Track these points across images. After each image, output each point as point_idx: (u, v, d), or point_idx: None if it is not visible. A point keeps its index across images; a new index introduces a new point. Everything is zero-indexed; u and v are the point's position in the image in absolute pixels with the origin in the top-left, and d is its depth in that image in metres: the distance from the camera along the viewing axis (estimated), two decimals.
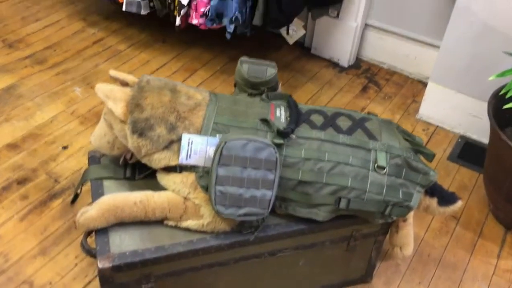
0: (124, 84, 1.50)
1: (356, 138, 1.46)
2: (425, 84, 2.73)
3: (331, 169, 1.42)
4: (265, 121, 1.44)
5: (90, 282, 1.69)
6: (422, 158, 1.51)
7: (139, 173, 1.56)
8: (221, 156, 1.32)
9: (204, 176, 1.40)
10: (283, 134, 1.41)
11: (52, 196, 1.97)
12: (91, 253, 1.42)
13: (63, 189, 1.99)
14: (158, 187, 1.48)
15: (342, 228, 1.53)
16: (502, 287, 1.79)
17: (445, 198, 1.56)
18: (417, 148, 1.53)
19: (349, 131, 1.48)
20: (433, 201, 1.55)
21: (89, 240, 1.42)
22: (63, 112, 2.36)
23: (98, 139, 1.53)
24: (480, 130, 2.38)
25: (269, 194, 1.36)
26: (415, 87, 2.72)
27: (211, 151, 1.40)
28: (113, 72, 1.50)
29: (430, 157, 1.53)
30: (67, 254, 1.77)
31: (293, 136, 1.43)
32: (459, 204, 1.57)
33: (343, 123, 1.50)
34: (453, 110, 2.40)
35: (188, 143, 1.40)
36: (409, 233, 1.59)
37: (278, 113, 1.49)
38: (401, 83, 2.74)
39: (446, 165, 2.27)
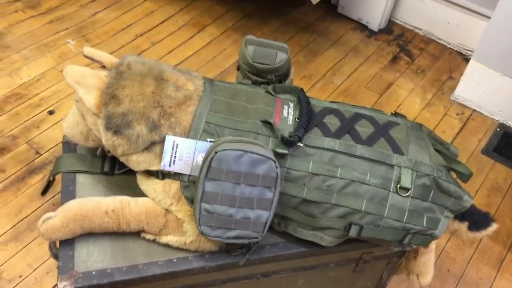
0: (101, 65, 1.24)
1: (377, 151, 1.19)
2: (465, 57, 2.39)
3: (343, 187, 1.16)
4: (267, 123, 1.18)
5: None
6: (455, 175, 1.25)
7: (119, 167, 1.33)
8: (209, 169, 1.08)
9: (190, 186, 1.17)
10: (288, 142, 1.15)
11: (31, 171, 1.76)
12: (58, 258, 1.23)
13: (43, 164, 1.79)
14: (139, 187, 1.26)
15: (350, 251, 1.30)
16: None
17: (477, 222, 1.31)
18: (451, 164, 1.26)
19: (369, 140, 1.21)
20: (463, 226, 1.30)
21: None
22: (53, 69, 2.11)
23: (70, 127, 1.28)
24: None
25: (265, 215, 1.12)
26: (453, 60, 2.38)
27: (199, 157, 1.15)
28: (87, 50, 1.23)
29: (465, 177, 1.26)
30: (41, 243, 1.59)
31: (301, 144, 1.17)
32: (493, 228, 1.32)
33: (363, 129, 1.22)
34: (495, 94, 2.08)
35: (173, 146, 1.15)
36: (429, 260, 1.36)
37: (285, 112, 1.22)
38: (438, 54, 2.40)
39: (480, 159, 1.99)
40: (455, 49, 2.43)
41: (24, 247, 1.57)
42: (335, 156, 1.17)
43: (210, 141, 1.15)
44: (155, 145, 1.16)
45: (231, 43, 2.33)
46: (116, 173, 1.33)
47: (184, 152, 1.15)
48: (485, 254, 1.71)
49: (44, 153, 1.82)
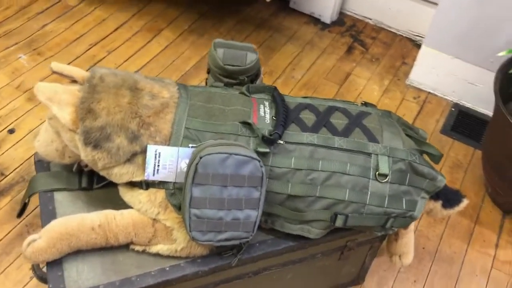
0: (71, 79, 1.21)
1: (354, 141, 1.23)
2: (415, 43, 2.49)
3: (325, 180, 1.20)
4: (246, 124, 1.20)
5: None
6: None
7: (97, 181, 1.31)
8: (195, 174, 1.08)
9: (176, 193, 1.17)
10: (269, 141, 1.17)
11: None
12: (45, 280, 1.20)
13: (10, 185, 1.73)
14: (122, 199, 1.24)
15: (336, 241, 1.34)
16: (502, 281, 1.67)
17: (450, 199, 1.38)
18: (422, 147, 1.32)
19: (345, 132, 1.25)
20: (437, 204, 1.36)
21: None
22: (7, 86, 2.03)
23: (43, 145, 1.25)
24: (475, 98, 2.18)
25: (254, 215, 1.14)
26: (404, 47, 2.47)
27: (183, 164, 1.16)
28: (55, 66, 1.20)
29: (437, 158, 1.32)
30: (20, 266, 1.54)
31: (281, 141, 1.19)
32: (464, 203, 1.39)
33: (338, 121, 1.26)
34: (448, 76, 2.18)
35: (155, 155, 1.15)
36: (409, 241, 1.42)
37: (262, 112, 1.24)
38: (389, 42, 2.49)
39: (439, 139, 2.08)
40: (404, 35, 2.53)
41: (2, 272, 1.52)
42: (315, 150, 1.20)
43: (192, 147, 1.16)
44: (136, 155, 1.15)
45: (188, 46, 2.32)
46: (95, 187, 1.31)
47: (167, 160, 1.15)
48: (455, 229, 1.80)
49: (9, 173, 1.76)
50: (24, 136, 1.87)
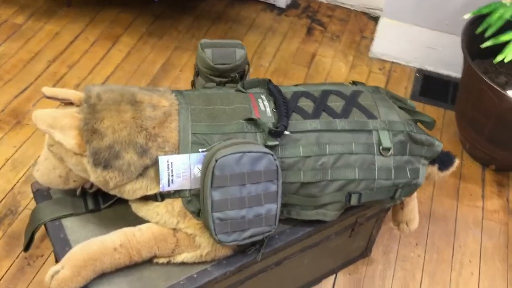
0: (67, 103, 1.17)
1: (354, 121, 1.27)
2: (370, 16, 2.55)
3: (334, 162, 1.23)
4: (251, 120, 1.20)
5: None
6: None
7: (103, 201, 1.28)
8: (213, 178, 1.08)
9: (192, 200, 1.16)
10: (276, 133, 1.19)
11: None
12: None
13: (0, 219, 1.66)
14: (132, 215, 1.23)
15: (347, 219, 1.38)
16: (494, 229, 1.77)
17: (444, 161, 1.44)
18: (415, 116, 1.38)
19: (344, 112, 1.28)
20: (434, 168, 1.42)
21: None
22: None
23: (46, 174, 1.21)
24: (436, 61, 2.28)
25: (274, 207, 1.16)
26: (360, 21, 2.53)
27: (196, 170, 1.15)
28: (48, 91, 1.16)
29: (430, 125, 1.39)
30: None
31: (287, 132, 1.21)
32: (457, 163, 1.46)
33: (335, 104, 1.29)
34: (408, 44, 2.26)
35: (168, 166, 1.13)
36: (414, 207, 1.48)
37: (261, 106, 1.25)
38: (345, 18, 2.54)
39: None
40: (359, 10, 2.59)
41: None
42: (320, 135, 1.23)
43: (202, 151, 1.16)
44: (148, 169, 1.14)
45: (150, 49, 2.28)
46: (103, 207, 1.29)
47: (180, 168, 1.14)
48: (443, 188, 1.88)
49: None
50: (1, 168, 1.79)
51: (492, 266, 1.67)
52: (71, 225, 1.25)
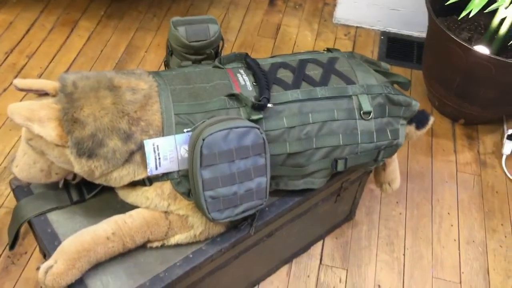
0: (42, 93, 1.13)
1: (334, 88, 1.27)
2: None
3: (318, 130, 1.24)
4: (232, 96, 1.19)
5: None
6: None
7: (87, 191, 1.26)
8: (202, 157, 1.08)
9: (182, 181, 1.15)
10: (259, 106, 1.18)
11: None
12: None
13: None
14: (119, 202, 1.21)
15: (333, 185, 1.40)
16: (468, 181, 1.84)
17: (421, 120, 1.47)
18: (390, 78, 1.40)
19: (323, 80, 1.28)
20: (412, 128, 1.45)
21: None
22: None
23: (26, 169, 1.17)
24: (399, 22, 2.30)
25: (264, 181, 1.16)
26: None
27: (182, 150, 1.14)
28: (20, 82, 1.11)
29: (406, 85, 1.41)
30: None
31: (270, 105, 1.21)
32: (431, 121, 1.49)
33: (314, 72, 1.29)
34: (371, 7, 2.27)
35: (154, 149, 1.12)
36: (395, 167, 1.51)
37: (241, 80, 1.24)
38: None
39: None
40: None
41: None
42: (302, 105, 1.23)
43: (187, 131, 1.14)
44: (133, 154, 1.12)
45: (112, 32, 2.21)
46: (88, 198, 1.26)
47: (166, 150, 1.13)
48: (417, 147, 1.93)
49: None
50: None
51: (469, 216, 1.74)
52: (57, 218, 1.23)
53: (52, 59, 2.08)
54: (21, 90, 1.11)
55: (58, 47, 2.13)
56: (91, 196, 1.26)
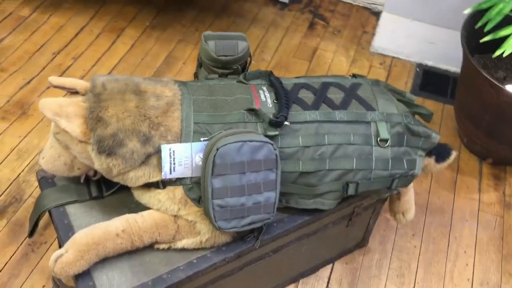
0: (73, 92, 1.21)
1: (353, 112, 1.30)
2: (371, 11, 2.58)
3: (333, 152, 1.26)
4: (251, 110, 1.23)
5: None
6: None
7: (106, 189, 1.32)
8: (214, 166, 1.12)
9: (193, 187, 1.19)
10: (276, 123, 1.22)
11: None
12: None
13: (4, 206, 1.69)
14: (134, 202, 1.26)
15: (344, 209, 1.41)
16: (490, 221, 1.80)
17: (441, 153, 1.47)
18: (413, 108, 1.41)
19: (343, 104, 1.31)
20: (431, 160, 1.45)
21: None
22: None
23: (51, 161, 1.24)
24: (436, 56, 2.30)
25: (273, 196, 1.19)
26: (361, 16, 2.56)
27: (197, 158, 1.18)
28: (54, 80, 1.19)
29: (428, 117, 1.42)
30: (32, 286, 1.52)
31: (287, 123, 1.24)
32: (454, 155, 1.49)
33: (335, 95, 1.32)
34: (409, 38, 2.28)
35: (170, 154, 1.17)
36: (411, 198, 1.51)
37: (262, 97, 1.28)
38: (347, 13, 2.56)
39: None
40: (361, 5, 2.61)
41: None
42: (319, 126, 1.26)
43: (204, 140, 1.19)
44: (150, 157, 1.17)
45: (154, 42, 2.31)
46: (106, 195, 1.32)
47: (182, 156, 1.17)
48: (440, 181, 1.91)
49: (0, 196, 1.72)
50: (6, 157, 1.83)
51: (487, 257, 1.70)
52: (75, 211, 1.29)
53: (96, 62, 2.19)
54: (55, 87, 1.19)
55: (103, 52, 2.24)
56: (109, 193, 1.32)
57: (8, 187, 1.75)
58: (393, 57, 2.35)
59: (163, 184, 1.20)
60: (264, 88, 1.30)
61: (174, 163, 1.17)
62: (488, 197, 1.87)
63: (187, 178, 1.19)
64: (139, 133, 1.15)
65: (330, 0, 2.63)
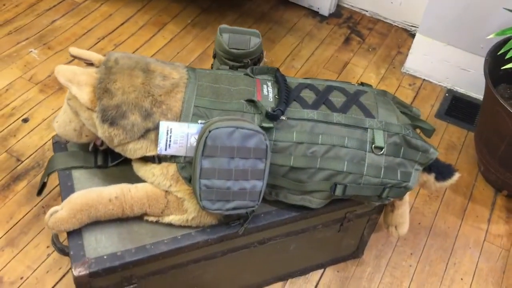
0: (88, 63, 1.31)
1: (351, 117, 1.32)
2: (409, 33, 2.58)
3: (325, 152, 1.29)
4: (251, 102, 1.29)
5: (64, 275, 1.57)
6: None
7: (111, 160, 1.41)
8: (205, 147, 1.18)
9: (186, 167, 1.26)
10: (272, 116, 1.26)
11: (15, 178, 1.79)
12: (65, 252, 1.30)
13: (27, 169, 1.82)
14: (134, 175, 1.34)
15: (335, 212, 1.43)
16: (494, 253, 1.76)
17: (443, 172, 1.46)
18: (416, 122, 1.41)
19: (343, 108, 1.34)
20: (431, 177, 1.45)
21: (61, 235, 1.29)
22: (20, 79, 2.13)
23: (62, 126, 1.34)
24: (468, 83, 2.27)
25: (260, 185, 1.23)
26: (399, 37, 2.57)
27: (193, 139, 1.25)
28: (73, 50, 1.30)
29: (429, 132, 1.42)
30: (38, 244, 1.63)
31: (284, 117, 1.28)
32: (456, 177, 1.48)
33: (337, 99, 1.35)
34: (441, 63, 2.27)
35: (167, 131, 1.24)
36: (405, 212, 1.51)
37: (265, 91, 1.33)
38: (385, 32, 2.58)
39: (434, 122, 2.17)
40: (400, 26, 2.62)
41: (21, 250, 1.61)
42: (315, 125, 1.30)
43: (201, 123, 1.25)
44: (149, 132, 1.25)
45: (192, 39, 2.42)
46: (110, 165, 1.41)
47: (178, 135, 1.24)
48: (449, 206, 1.88)
49: (25, 159, 1.85)
50: (38, 125, 1.97)
51: (484, 287, 1.66)
52: (79, 176, 1.38)
53: (135, 51, 2.32)
54: (72, 56, 1.30)
55: (143, 42, 2.37)
56: (113, 164, 1.40)
57: (34, 152, 1.88)
58: (424, 80, 2.35)
59: (158, 159, 1.27)
60: (269, 83, 1.36)
61: (170, 140, 1.24)
62: (496, 229, 1.83)
63: (181, 157, 1.26)
64: (141, 108, 1.23)
65: (369, 19, 2.65)
